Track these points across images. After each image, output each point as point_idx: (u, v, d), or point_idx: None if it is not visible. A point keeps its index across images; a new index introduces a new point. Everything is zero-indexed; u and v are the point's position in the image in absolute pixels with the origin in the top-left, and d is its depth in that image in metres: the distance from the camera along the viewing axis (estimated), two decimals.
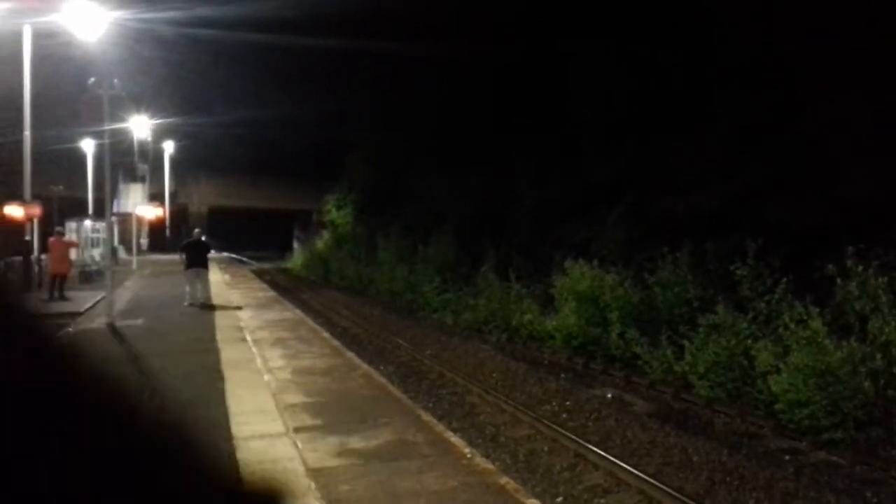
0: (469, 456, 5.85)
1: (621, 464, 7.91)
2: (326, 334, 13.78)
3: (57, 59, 24.31)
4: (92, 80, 14.40)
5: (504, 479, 5.38)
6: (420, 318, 21.65)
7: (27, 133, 20.58)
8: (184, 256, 17.25)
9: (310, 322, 15.73)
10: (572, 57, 22.93)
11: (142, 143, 45.29)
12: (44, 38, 20.97)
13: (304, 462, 5.63)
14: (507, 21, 27.10)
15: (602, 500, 7.35)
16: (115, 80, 14.83)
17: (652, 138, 18.53)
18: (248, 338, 12.28)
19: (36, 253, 23.29)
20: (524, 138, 24.63)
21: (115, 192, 40.17)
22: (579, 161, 21.28)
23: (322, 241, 45.63)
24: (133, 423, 0.91)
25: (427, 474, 5.36)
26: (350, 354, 11.39)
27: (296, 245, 59.62)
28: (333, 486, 5.09)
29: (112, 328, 13.24)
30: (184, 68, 43.26)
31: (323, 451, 5.93)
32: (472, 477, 5.31)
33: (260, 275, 36.76)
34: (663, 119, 18.57)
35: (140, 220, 40.81)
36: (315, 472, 5.37)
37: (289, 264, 51.55)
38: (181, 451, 0.94)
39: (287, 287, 32.87)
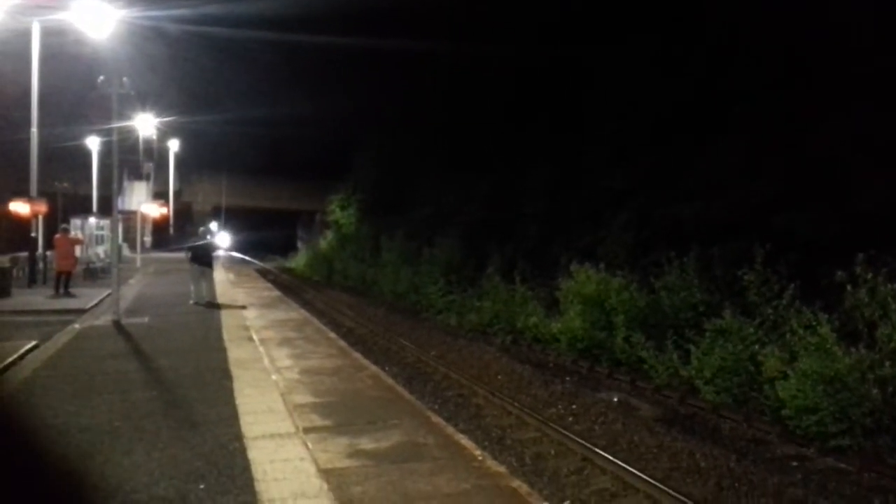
0: (480, 458, 5.85)
1: (629, 468, 7.90)
2: (332, 334, 13.77)
3: (65, 57, 24.38)
4: (101, 78, 14.39)
5: (517, 483, 5.37)
6: (424, 319, 21.65)
7: (34, 130, 20.63)
8: (189, 255, 17.37)
9: (315, 322, 15.73)
10: (590, 64, 22.89)
11: (147, 141, 45.45)
12: (52, 36, 21.05)
13: (316, 462, 5.63)
14: (525, 26, 27.08)
15: None
16: (125, 79, 14.84)
17: (664, 146, 18.48)
18: (255, 337, 12.28)
19: (41, 249, 23.40)
20: (535, 143, 24.60)
21: (120, 190, 40.27)
22: (589, 166, 21.25)
23: (326, 241, 45.68)
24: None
25: (439, 476, 5.35)
26: (356, 355, 11.39)
27: (299, 245, 59.78)
28: (346, 488, 5.09)
29: (118, 325, 13.27)
30: (190, 66, 43.36)
31: (333, 452, 5.93)
32: (485, 480, 5.31)
33: (264, 274, 36.81)
34: (677, 127, 18.52)
35: (144, 218, 40.85)
36: (327, 473, 5.37)
37: (292, 264, 51.60)
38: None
39: (291, 286, 32.92)
